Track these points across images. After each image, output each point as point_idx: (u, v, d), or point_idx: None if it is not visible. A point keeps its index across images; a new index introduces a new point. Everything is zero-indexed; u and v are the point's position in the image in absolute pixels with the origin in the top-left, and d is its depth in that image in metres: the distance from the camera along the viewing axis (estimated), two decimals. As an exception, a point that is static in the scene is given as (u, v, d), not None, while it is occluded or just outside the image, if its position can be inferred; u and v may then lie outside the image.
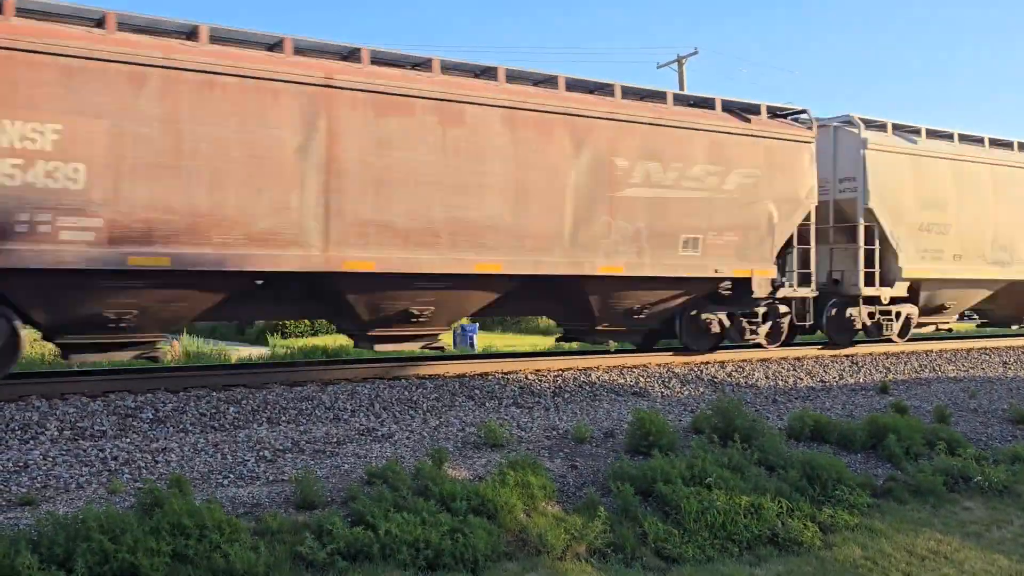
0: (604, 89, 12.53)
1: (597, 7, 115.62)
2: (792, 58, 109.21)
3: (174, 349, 18.26)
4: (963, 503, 8.41)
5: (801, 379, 13.47)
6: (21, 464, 7.36)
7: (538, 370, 12.41)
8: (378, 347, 11.38)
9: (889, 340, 16.04)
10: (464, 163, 11.02)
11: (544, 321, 26.30)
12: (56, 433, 8.40)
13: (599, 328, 13.09)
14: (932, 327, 17.36)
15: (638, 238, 12.44)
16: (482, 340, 23.83)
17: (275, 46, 10.33)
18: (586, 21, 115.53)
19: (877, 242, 15.33)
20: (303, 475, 6.91)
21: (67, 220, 8.84)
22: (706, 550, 6.88)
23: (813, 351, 15.34)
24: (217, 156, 9.55)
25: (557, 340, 15.74)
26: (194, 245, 9.44)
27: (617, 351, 15.62)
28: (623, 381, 12.31)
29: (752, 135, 13.46)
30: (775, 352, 14.69)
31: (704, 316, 13.71)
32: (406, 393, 10.67)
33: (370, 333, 11.25)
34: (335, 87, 10.22)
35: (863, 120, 15.63)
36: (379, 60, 10.94)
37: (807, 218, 14.28)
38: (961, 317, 19.03)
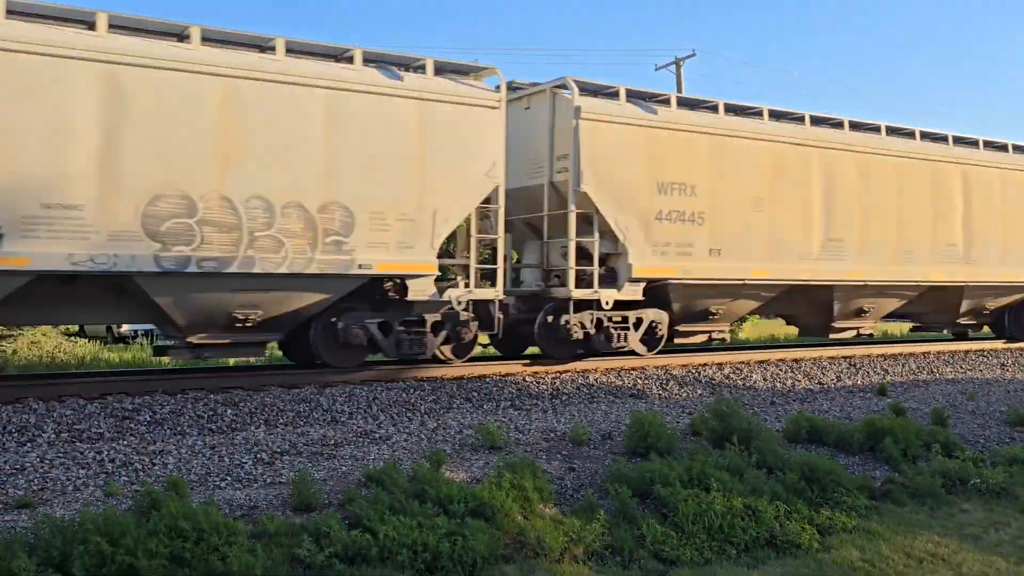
0: None
1: (597, 7, 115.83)
2: (792, 58, 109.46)
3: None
4: (961, 505, 8.41)
5: (799, 381, 13.48)
6: (18, 466, 7.36)
7: (535, 372, 12.41)
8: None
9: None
10: None
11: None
12: (53, 435, 8.40)
13: None
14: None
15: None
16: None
17: None
18: (586, 21, 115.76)
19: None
20: (300, 477, 6.90)
21: None
22: (704, 552, 6.88)
23: (812, 352, 15.36)
24: None
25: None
26: None
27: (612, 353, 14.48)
28: (621, 383, 12.30)
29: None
30: (773, 354, 14.69)
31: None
32: (403, 395, 10.67)
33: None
34: None
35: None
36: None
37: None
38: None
